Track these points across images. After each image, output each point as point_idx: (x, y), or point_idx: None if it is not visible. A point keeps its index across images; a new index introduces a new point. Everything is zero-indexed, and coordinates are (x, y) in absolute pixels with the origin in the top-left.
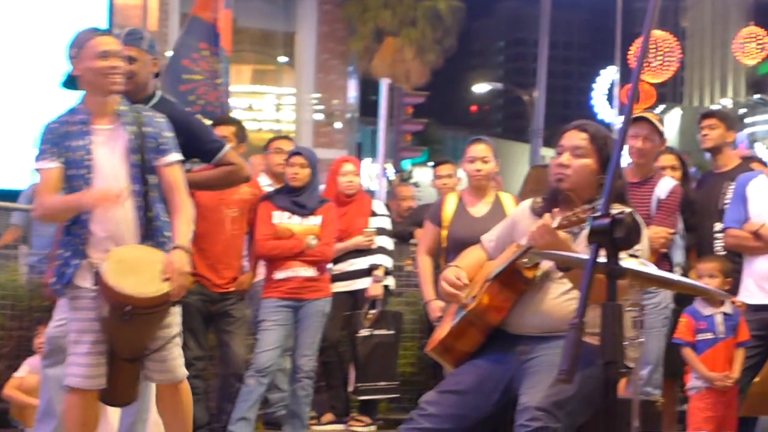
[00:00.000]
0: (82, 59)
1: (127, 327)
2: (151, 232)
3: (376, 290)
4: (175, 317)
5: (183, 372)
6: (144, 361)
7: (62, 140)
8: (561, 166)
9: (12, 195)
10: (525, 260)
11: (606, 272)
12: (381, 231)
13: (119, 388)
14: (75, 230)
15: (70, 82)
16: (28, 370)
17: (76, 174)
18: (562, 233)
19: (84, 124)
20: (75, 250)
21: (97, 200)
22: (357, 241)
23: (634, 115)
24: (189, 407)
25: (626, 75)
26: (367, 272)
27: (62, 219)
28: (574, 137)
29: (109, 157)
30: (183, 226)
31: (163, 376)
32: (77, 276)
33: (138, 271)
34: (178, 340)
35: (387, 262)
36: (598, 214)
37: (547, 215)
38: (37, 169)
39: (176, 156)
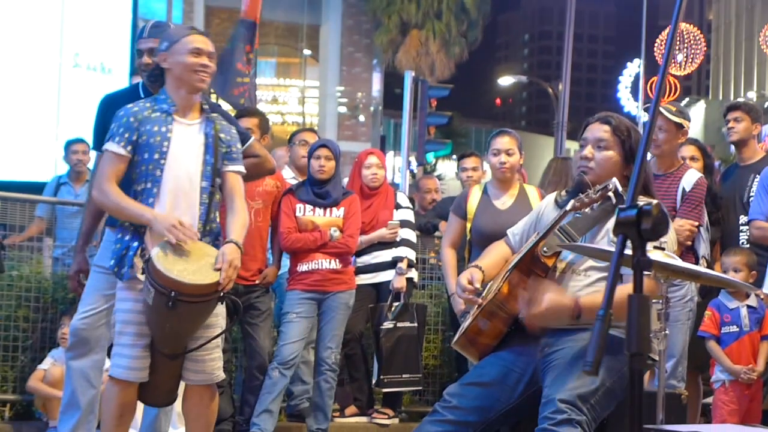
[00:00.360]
0: (174, 53)
1: (171, 316)
2: (209, 231)
3: (400, 283)
4: (218, 319)
5: (220, 375)
6: (184, 359)
7: (140, 126)
8: (584, 158)
9: (36, 187)
10: (544, 249)
11: (633, 264)
12: (405, 223)
13: (160, 387)
14: None
15: (156, 76)
16: (51, 362)
17: (149, 158)
18: (552, 298)
19: (167, 113)
20: (134, 234)
21: (167, 229)
22: (381, 233)
23: (645, 106)
24: (215, 410)
25: (651, 68)
26: (390, 265)
27: (116, 216)
28: (597, 130)
29: (185, 150)
30: (238, 226)
31: (199, 377)
32: (134, 261)
33: (188, 260)
34: (219, 342)
35: (411, 254)
36: (611, 193)
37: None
38: (106, 150)
39: (242, 168)
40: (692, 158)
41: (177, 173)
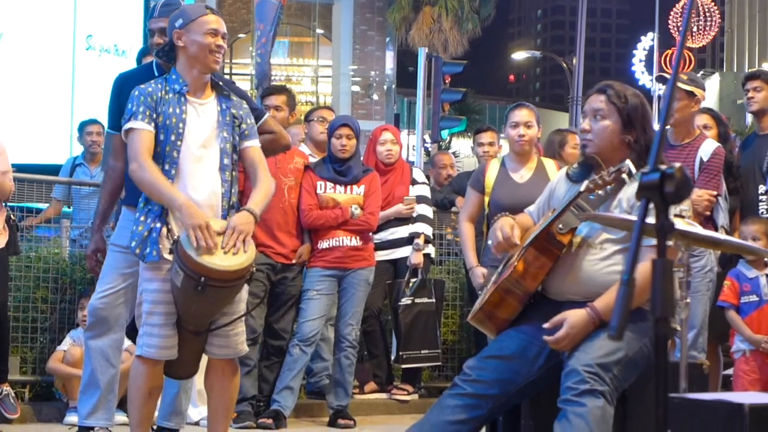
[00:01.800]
0: (190, 32)
1: (199, 299)
2: (233, 208)
3: (417, 258)
4: (244, 293)
5: (244, 348)
6: (208, 335)
7: (158, 105)
8: (583, 131)
9: (52, 170)
10: (560, 226)
11: (656, 228)
12: (421, 199)
13: (182, 361)
14: None
15: (166, 52)
16: (71, 343)
17: (166, 140)
18: (573, 316)
19: (180, 94)
20: (157, 216)
21: (192, 227)
22: (397, 209)
23: (657, 75)
24: (237, 385)
25: (665, 41)
26: (407, 241)
27: (148, 193)
28: (594, 100)
29: (201, 129)
30: (258, 196)
31: (223, 351)
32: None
33: (218, 244)
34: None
35: (428, 230)
36: (624, 175)
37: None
38: (132, 128)
39: (257, 142)
40: (705, 126)
41: (195, 154)
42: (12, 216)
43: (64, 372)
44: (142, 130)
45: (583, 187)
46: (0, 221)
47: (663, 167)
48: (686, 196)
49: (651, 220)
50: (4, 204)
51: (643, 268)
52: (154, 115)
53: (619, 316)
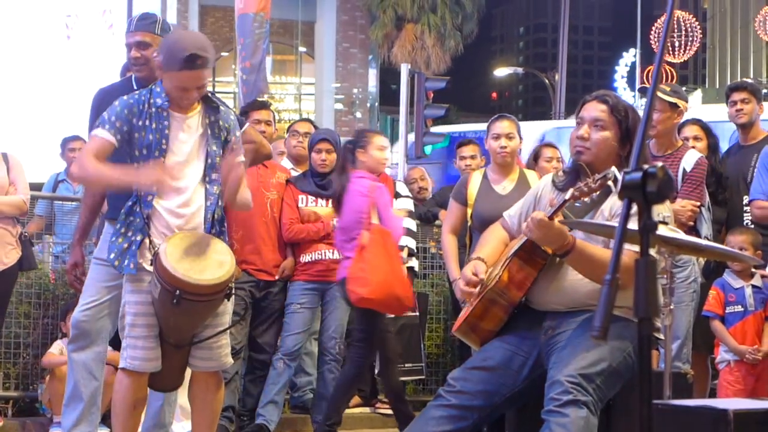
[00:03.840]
0: (167, 75)
1: (176, 312)
2: (217, 222)
3: None
4: (228, 307)
5: (228, 360)
6: (191, 348)
7: (136, 120)
8: (581, 138)
9: (35, 187)
10: None
11: (639, 227)
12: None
13: (166, 374)
14: (138, 210)
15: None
16: (60, 348)
17: (149, 155)
18: (556, 224)
19: (163, 108)
20: (138, 230)
21: (154, 183)
22: None
23: (640, 86)
24: (221, 398)
25: (647, 57)
26: None
27: (98, 187)
28: (594, 109)
29: (184, 143)
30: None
31: (207, 364)
32: (138, 255)
33: (196, 257)
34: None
35: (411, 243)
36: (610, 182)
37: (537, 212)
38: (94, 135)
39: (243, 157)
40: (695, 138)
41: (178, 168)
42: (25, 232)
43: (60, 362)
44: (102, 138)
45: (568, 195)
46: (13, 237)
47: (645, 167)
48: (668, 195)
49: (633, 226)
50: (17, 221)
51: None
52: (125, 128)
53: (603, 315)
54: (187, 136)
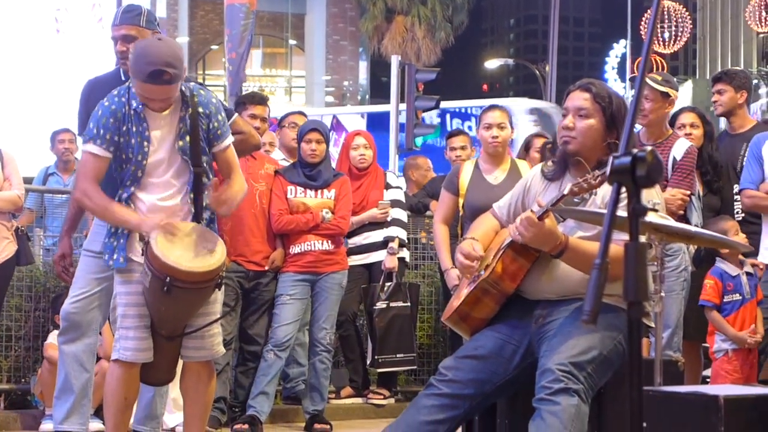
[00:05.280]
0: (134, 83)
1: (167, 300)
2: (204, 211)
3: (392, 263)
4: (218, 296)
5: (220, 350)
6: (182, 339)
7: (121, 124)
8: (566, 128)
9: (25, 181)
10: None
11: (628, 211)
12: (395, 203)
13: (158, 366)
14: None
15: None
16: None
17: (132, 159)
18: (547, 223)
19: (138, 110)
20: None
21: (153, 227)
22: (371, 213)
23: (631, 76)
24: (213, 389)
25: (637, 49)
26: (382, 245)
27: (101, 219)
28: (578, 98)
29: (162, 140)
30: (232, 190)
31: (199, 353)
32: (128, 247)
33: (187, 246)
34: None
35: (402, 234)
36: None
37: (528, 212)
38: (87, 151)
39: (230, 139)
40: (692, 125)
41: (159, 169)
42: (21, 227)
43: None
44: (97, 155)
45: (567, 190)
46: (9, 231)
47: (635, 151)
48: (658, 179)
49: (624, 213)
50: (12, 216)
51: (615, 247)
52: (116, 137)
53: (592, 300)
54: (164, 132)
